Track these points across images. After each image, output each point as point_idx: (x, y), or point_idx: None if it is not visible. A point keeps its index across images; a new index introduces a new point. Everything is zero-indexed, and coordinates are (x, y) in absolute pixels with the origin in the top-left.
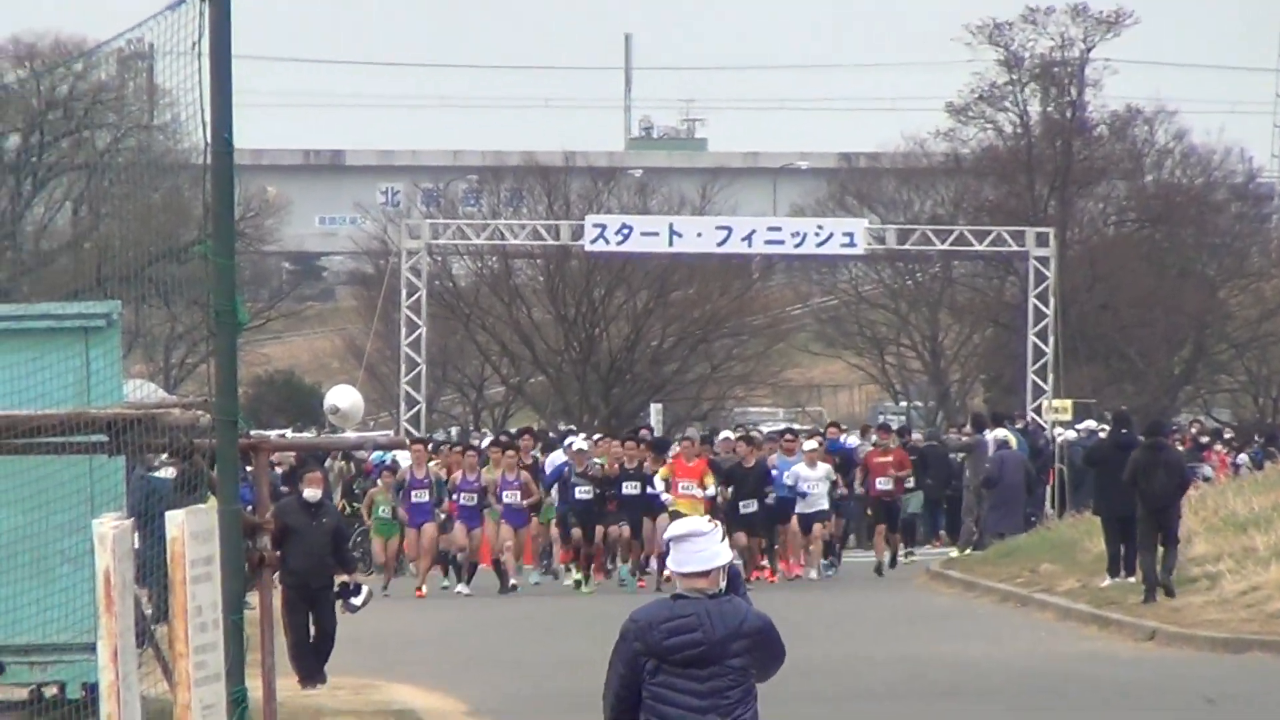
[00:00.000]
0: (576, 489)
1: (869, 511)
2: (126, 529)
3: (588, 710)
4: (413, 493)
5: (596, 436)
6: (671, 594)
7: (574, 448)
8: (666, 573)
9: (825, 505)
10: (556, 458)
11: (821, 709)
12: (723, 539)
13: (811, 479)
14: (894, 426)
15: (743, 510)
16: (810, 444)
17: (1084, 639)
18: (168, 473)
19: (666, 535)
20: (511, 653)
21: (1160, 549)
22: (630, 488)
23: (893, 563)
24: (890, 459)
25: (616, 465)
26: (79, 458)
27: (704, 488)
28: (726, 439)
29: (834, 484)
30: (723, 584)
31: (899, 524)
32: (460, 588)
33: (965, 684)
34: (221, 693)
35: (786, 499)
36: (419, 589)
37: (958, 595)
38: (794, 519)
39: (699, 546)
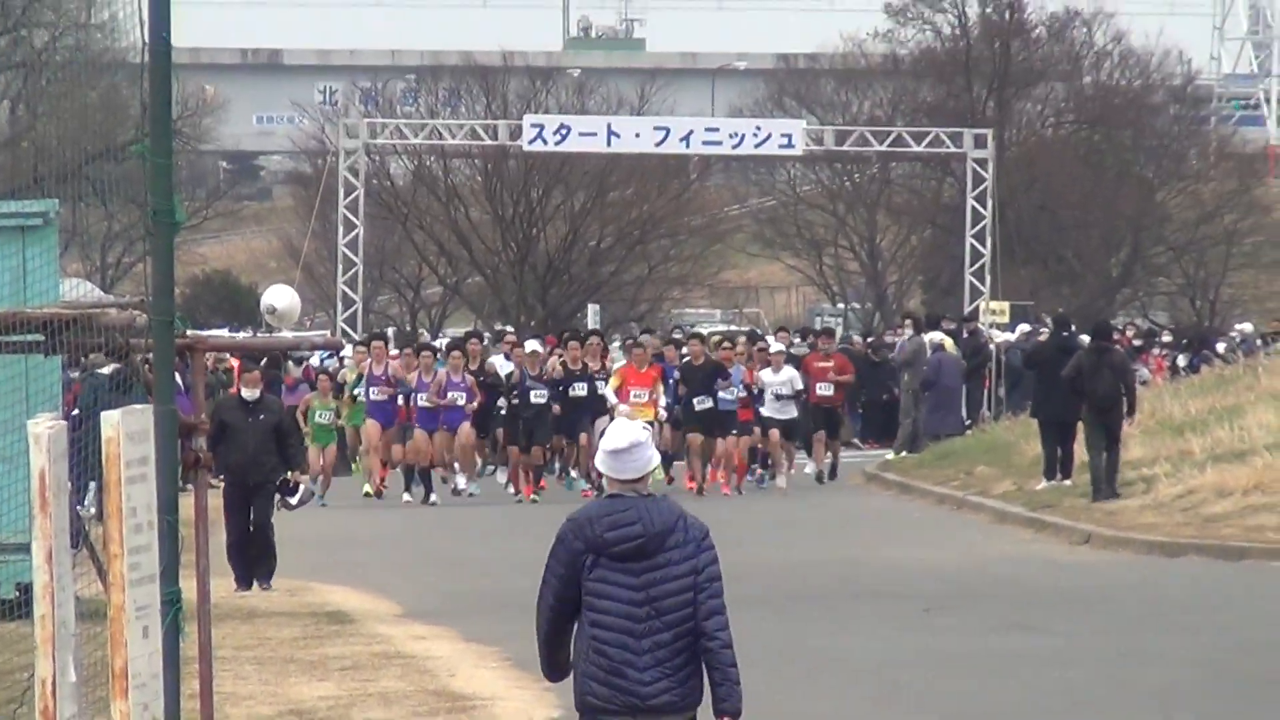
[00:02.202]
0: (531, 393)
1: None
2: (61, 430)
3: (520, 609)
4: (372, 390)
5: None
6: (606, 495)
7: (528, 350)
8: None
9: (795, 414)
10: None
11: (754, 612)
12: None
13: (776, 384)
14: (834, 330)
15: (698, 407)
16: (777, 346)
17: (1019, 542)
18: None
19: (605, 445)
20: (449, 555)
21: (1104, 451)
22: (578, 389)
23: (833, 473)
24: (831, 364)
25: (560, 367)
26: (14, 357)
27: (655, 397)
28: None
29: (799, 392)
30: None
31: (839, 431)
32: (408, 496)
33: (898, 586)
34: (155, 594)
35: (726, 411)
36: (380, 484)
37: (894, 497)
38: (732, 436)
39: (637, 455)
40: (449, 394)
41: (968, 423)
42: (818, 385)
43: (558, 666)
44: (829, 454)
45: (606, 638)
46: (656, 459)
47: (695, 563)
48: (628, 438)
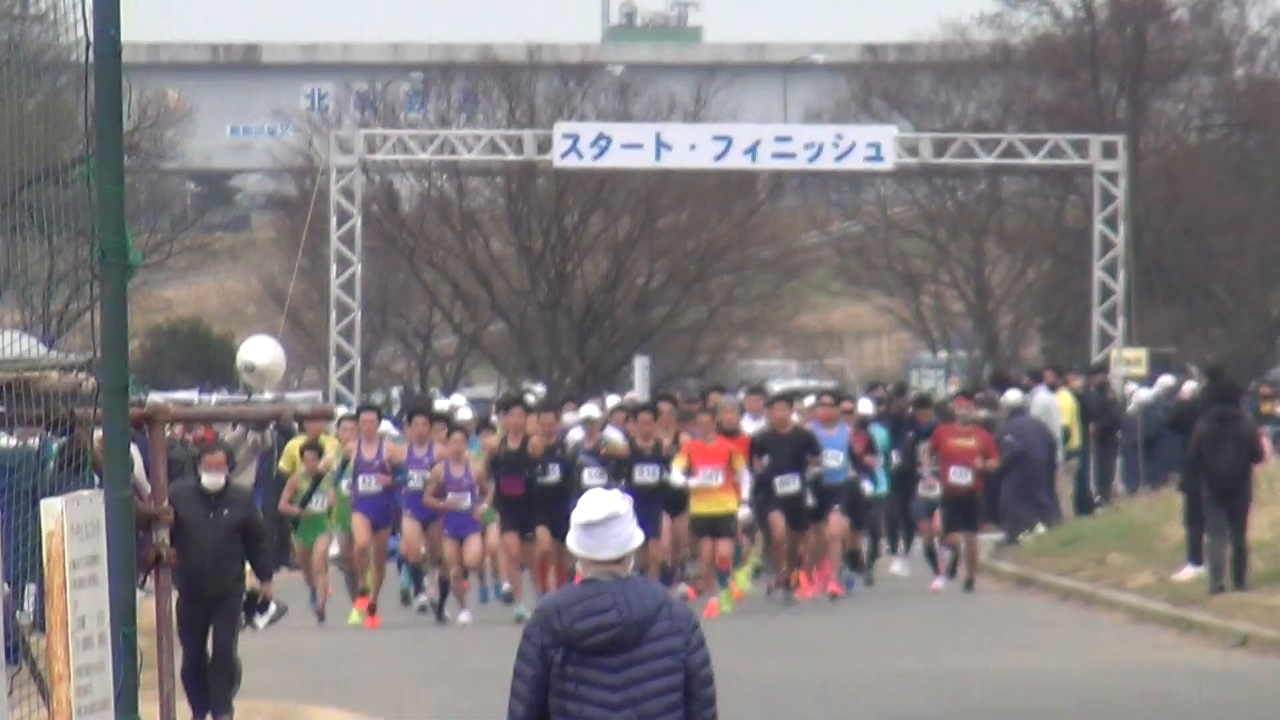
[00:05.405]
0: (585, 472)
1: (938, 509)
2: None
3: None
4: (360, 479)
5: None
6: (580, 580)
7: (583, 416)
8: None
9: (840, 480)
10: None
11: None
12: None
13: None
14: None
15: (780, 490)
16: (810, 401)
17: (1160, 646)
18: (5, 440)
19: (577, 518)
20: (455, 669)
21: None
22: (645, 473)
23: (969, 584)
24: (973, 442)
25: (625, 446)
26: None
27: (734, 473)
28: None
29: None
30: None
31: (977, 524)
32: (465, 616)
33: (1014, 704)
34: None
35: (831, 486)
36: (371, 613)
37: (1008, 593)
38: (834, 515)
39: (616, 530)
40: (449, 494)
41: (1043, 503)
42: (951, 470)
43: None
44: (967, 556)
45: None
46: (639, 537)
47: (686, 660)
48: (604, 509)
